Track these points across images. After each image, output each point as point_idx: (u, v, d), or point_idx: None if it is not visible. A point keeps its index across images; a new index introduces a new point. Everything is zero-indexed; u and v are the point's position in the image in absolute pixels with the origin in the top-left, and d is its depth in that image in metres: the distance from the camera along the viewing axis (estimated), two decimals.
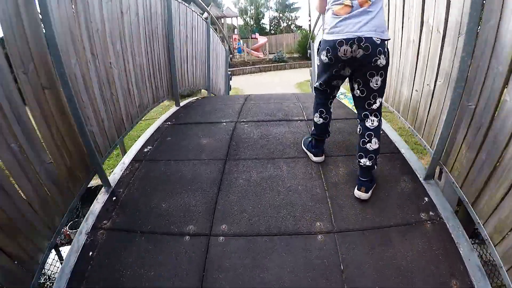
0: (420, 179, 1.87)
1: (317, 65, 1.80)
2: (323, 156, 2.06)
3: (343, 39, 1.53)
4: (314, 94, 1.98)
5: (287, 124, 2.62)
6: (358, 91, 1.68)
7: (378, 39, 1.52)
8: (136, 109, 2.38)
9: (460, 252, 1.45)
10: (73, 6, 1.55)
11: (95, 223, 1.73)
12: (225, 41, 6.78)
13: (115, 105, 2.03)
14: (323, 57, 1.66)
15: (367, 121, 1.70)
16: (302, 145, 2.22)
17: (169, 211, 1.74)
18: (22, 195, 1.25)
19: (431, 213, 1.64)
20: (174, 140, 2.42)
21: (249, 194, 1.81)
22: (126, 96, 2.18)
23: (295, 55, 14.43)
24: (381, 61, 1.56)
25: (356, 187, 1.73)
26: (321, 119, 1.95)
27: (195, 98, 3.85)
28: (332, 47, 1.58)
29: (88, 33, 1.69)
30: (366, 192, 1.70)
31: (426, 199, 1.73)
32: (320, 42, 1.70)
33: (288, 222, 1.64)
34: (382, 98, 1.69)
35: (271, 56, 14.11)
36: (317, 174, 1.95)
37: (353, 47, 1.52)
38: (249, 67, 12.82)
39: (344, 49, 1.54)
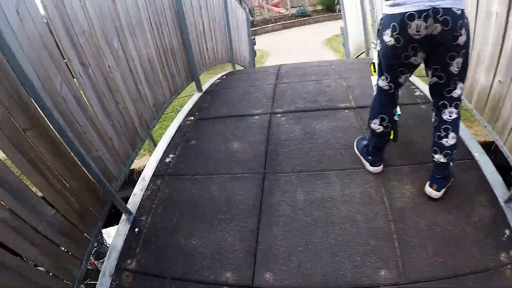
0: (500, 201, 1.41)
1: (378, 52, 1.42)
2: (382, 166, 1.63)
3: (414, 11, 1.17)
4: (374, 93, 1.53)
5: (332, 115, 2.13)
6: (435, 78, 1.36)
7: (458, 9, 1.16)
8: (151, 110, 2.00)
9: None
10: (44, 13, 1.12)
11: (119, 263, 1.47)
12: (242, 2, 5.98)
13: (123, 116, 1.66)
14: (387, 38, 1.28)
15: (444, 112, 1.39)
16: (356, 149, 1.78)
17: (201, 251, 1.42)
18: (31, 264, 1.06)
19: (511, 252, 1.23)
20: (198, 144, 2.05)
21: (297, 226, 1.44)
22: (136, 99, 1.80)
23: (318, 7, 13.06)
24: (463, 37, 1.22)
25: (428, 182, 1.46)
26: (380, 127, 1.52)
27: (219, 76, 3.38)
28: (399, 23, 1.21)
29: (71, 39, 1.27)
30: (438, 190, 1.44)
31: (507, 232, 1.30)
32: (381, 19, 1.33)
33: (347, 270, 1.26)
34: (464, 83, 1.37)
35: (293, 11, 12.85)
36: (378, 195, 1.52)
37: (428, 21, 1.16)
38: (271, 24, 11.78)
39: (417, 25, 1.18)
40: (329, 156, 1.77)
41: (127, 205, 1.66)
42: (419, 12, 1.15)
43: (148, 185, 1.79)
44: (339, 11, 5.95)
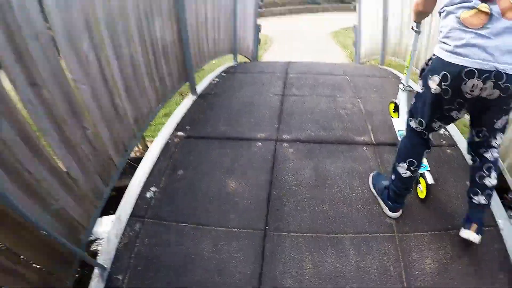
0: None
1: (417, 93, 1.29)
2: (401, 211, 1.46)
3: (476, 69, 1.02)
4: (405, 135, 1.39)
5: (348, 152, 1.80)
6: (476, 137, 1.28)
7: None
8: (132, 129, 1.62)
9: None
10: None
11: None
12: None
13: (93, 143, 1.29)
14: (433, 85, 1.13)
15: (486, 152, 1.29)
16: (371, 186, 1.57)
17: None
18: None
19: None
20: (188, 176, 1.69)
21: None
22: (111, 119, 1.42)
23: None
24: None
25: (464, 226, 1.29)
26: (408, 172, 1.34)
27: (218, 73, 2.97)
28: (455, 75, 1.06)
29: (16, 49, 0.89)
30: (478, 233, 1.25)
31: None
32: (430, 59, 1.19)
33: None
34: (504, 133, 1.28)
35: None
36: (396, 272, 1.26)
37: (486, 84, 1.03)
38: (279, 8, 11.18)
39: (474, 84, 1.04)
40: (343, 214, 1.46)
41: (101, 255, 1.34)
42: (480, 72, 1.01)
43: (125, 229, 1.45)
44: (355, 8, 5.48)
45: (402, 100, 1.86)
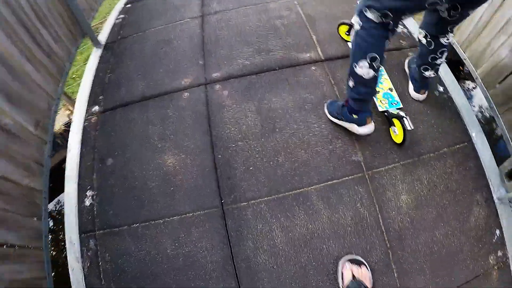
0: (494, 196, 1.28)
1: None
2: (372, 123, 1.28)
3: None
4: (358, 28, 1.08)
5: (294, 78, 1.53)
6: (448, 17, 1.11)
7: None
8: (37, 139, 1.25)
9: None
10: None
11: None
12: None
13: None
14: None
15: (442, 38, 1.23)
16: (329, 115, 1.40)
17: None
18: None
19: (499, 253, 1.20)
20: (118, 164, 1.43)
21: (285, 280, 1.14)
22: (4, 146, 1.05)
23: None
24: None
25: (414, 89, 1.45)
26: (371, 71, 1.11)
27: (120, 9, 2.29)
28: None
29: None
30: (425, 93, 1.45)
31: (498, 233, 1.23)
32: None
33: None
34: None
35: None
36: (372, 217, 1.22)
37: None
38: None
39: None
40: (303, 162, 1.30)
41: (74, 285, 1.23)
42: None
43: (82, 251, 1.28)
44: None
45: None
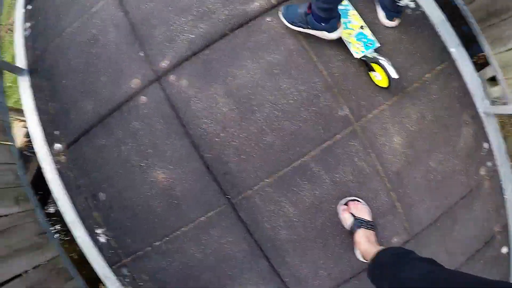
0: (480, 111, 1.31)
1: None
2: (341, 23, 1.19)
3: None
4: None
5: (249, 38, 1.35)
6: None
7: None
8: None
9: None
10: None
11: None
12: None
13: None
14: None
15: None
16: (289, 25, 1.27)
17: None
18: None
19: (488, 163, 1.31)
20: (113, 197, 1.38)
21: (308, 244, 1.28)
22: None
23: None
24: None
25: (386, 17, 1.28)
26: None
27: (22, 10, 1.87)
28: None
29: None
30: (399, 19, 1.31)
31: (486, 145, 1.33)
32: None
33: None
34: None
35: None
36: (370, 166, 1.28)
37: None
38: None
39: None
40: (292, 134, 1.27)
41: None
42: None
43: (120, 281, 1.37)
44: None
45: None
